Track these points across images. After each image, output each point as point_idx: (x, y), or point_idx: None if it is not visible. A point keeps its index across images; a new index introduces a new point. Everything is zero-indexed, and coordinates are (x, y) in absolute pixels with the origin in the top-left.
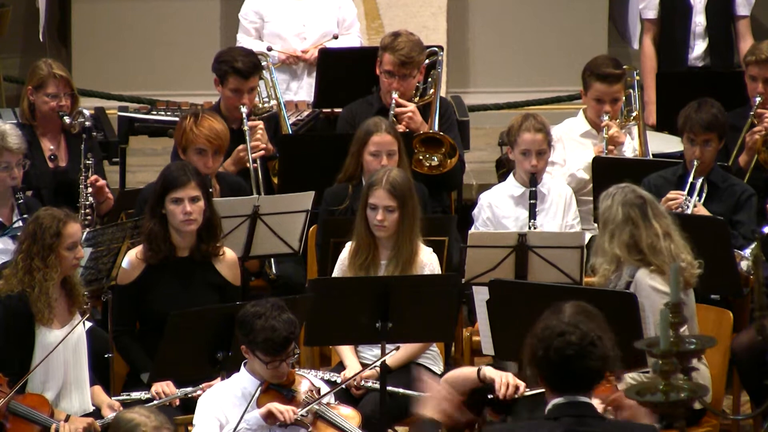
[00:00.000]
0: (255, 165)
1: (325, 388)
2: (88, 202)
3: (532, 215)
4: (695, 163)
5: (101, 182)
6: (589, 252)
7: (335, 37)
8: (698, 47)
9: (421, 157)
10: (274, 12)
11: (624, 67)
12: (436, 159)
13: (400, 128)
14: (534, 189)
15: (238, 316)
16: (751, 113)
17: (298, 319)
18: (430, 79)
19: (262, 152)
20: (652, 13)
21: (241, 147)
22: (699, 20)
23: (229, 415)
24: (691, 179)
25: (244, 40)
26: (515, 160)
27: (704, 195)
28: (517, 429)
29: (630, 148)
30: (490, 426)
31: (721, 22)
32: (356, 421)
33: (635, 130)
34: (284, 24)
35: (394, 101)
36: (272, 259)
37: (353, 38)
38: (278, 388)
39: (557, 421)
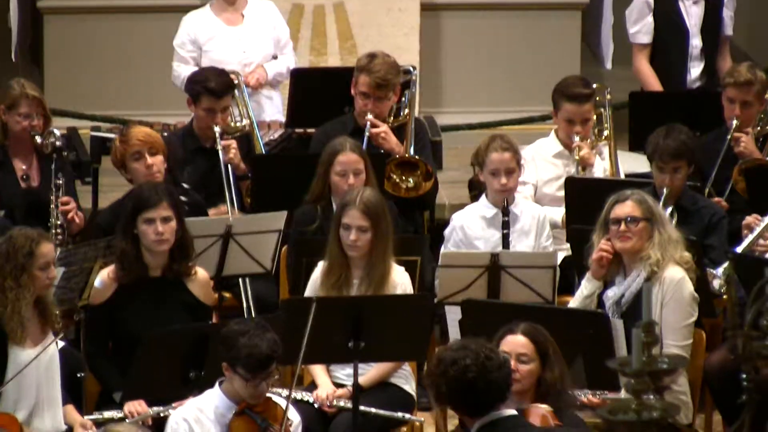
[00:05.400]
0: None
1: (299, 421)
2: (59, 222)
3: (506, 245)
4: (665, 190)
5: (70, 206)
6: (562, 271)
7: (274, 57)
8: (695, 70)
9: (397, 180)
10: (212, 40)
11: (594, 86)
12: (411, 181)
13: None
14: (507, 219)
15: (222, 333)
16: (728, 137)
17: None
18: (404, 99)
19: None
20: (646, 38)
21: (223, 209)
22: (695, 43)
23: None
24: (660, 206)
25: (182, 69)
26: (485, 181)
27: (674, 221)
28: None
29: (600, 169)
30: None
31: (713, 43)
32: None
33: (606, 150)
34: (224, 52)
35: (368, 122)
36: (248, 292)
37: (289, 57)
38: (252, 415)
39: None
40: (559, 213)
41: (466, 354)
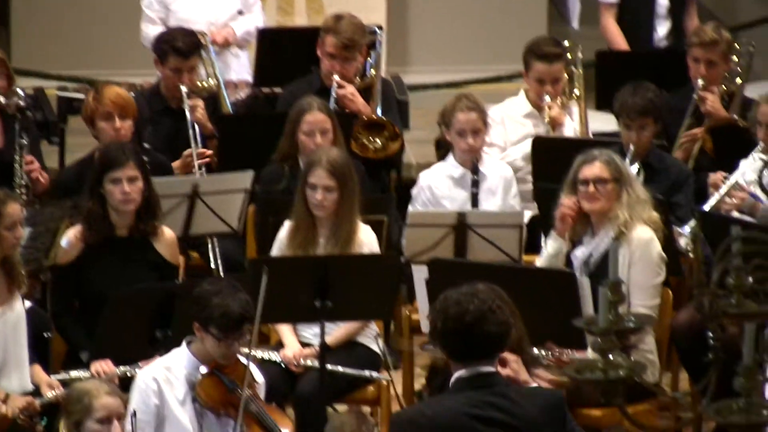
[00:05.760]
0: (201, 171)
1: (263, 381)
2: (23, 182)
3: (475, 204)
4: (632, 147)
5: (34, 165)
6: (529, 231)
7: (240, 13)
8: (661, 29)
9: (365, 141)
10: (179, 0)
11: (566, 45)
12: (379, 141)
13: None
14: (477, 178)
15: (194, 293)
16: (694, 95)
17: None
18: (369, 60)
19: (208, 159)
20: None
21: (187, 152)
22: (662, 2)
23: (167, 396)
24: (628, 163)
25: (150, 30)
26: (452, 141)
27: (642, 179)
28: (426, 408)
29: (570, 129)
30: (401, 412)
31: (680, 2)
32: (289, 429)
33: (576, 110)
34: (192, 11)
35: (335, 83)
36: (216, 252)
37: (257, 17)
38: (221, 376)
39: (463, 393)
40: (525, 149)
41: (473, 299)
